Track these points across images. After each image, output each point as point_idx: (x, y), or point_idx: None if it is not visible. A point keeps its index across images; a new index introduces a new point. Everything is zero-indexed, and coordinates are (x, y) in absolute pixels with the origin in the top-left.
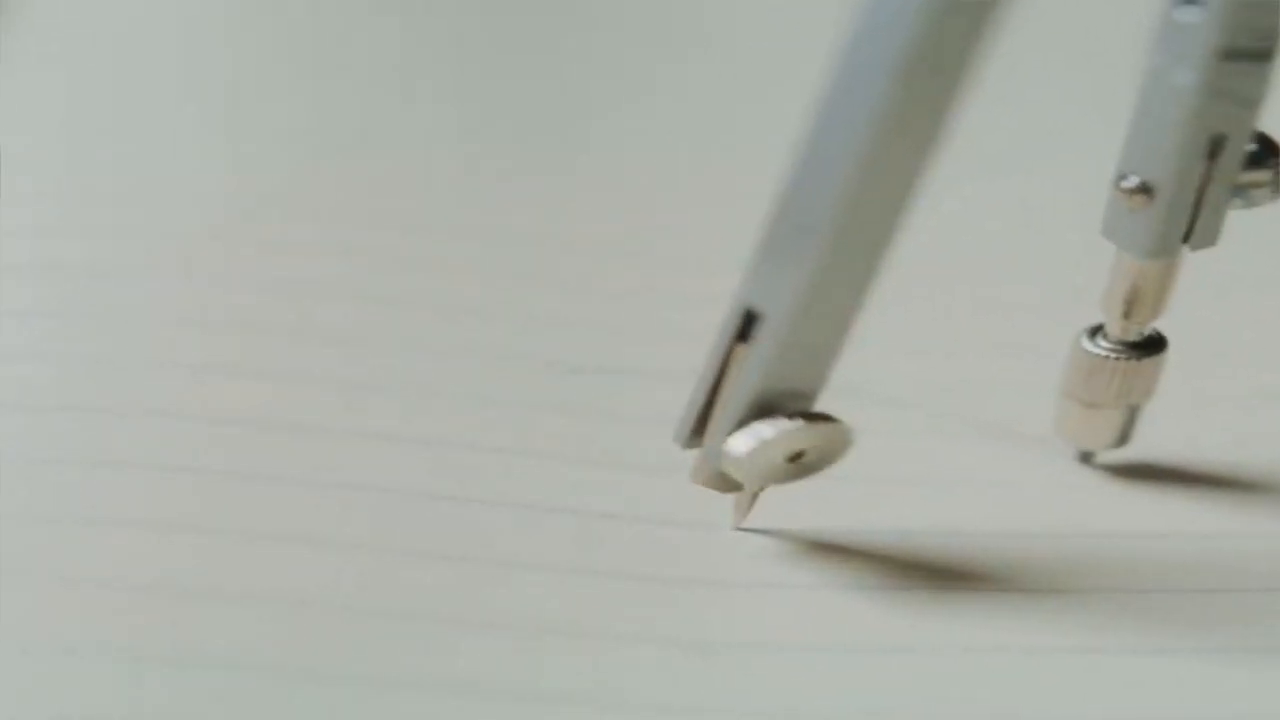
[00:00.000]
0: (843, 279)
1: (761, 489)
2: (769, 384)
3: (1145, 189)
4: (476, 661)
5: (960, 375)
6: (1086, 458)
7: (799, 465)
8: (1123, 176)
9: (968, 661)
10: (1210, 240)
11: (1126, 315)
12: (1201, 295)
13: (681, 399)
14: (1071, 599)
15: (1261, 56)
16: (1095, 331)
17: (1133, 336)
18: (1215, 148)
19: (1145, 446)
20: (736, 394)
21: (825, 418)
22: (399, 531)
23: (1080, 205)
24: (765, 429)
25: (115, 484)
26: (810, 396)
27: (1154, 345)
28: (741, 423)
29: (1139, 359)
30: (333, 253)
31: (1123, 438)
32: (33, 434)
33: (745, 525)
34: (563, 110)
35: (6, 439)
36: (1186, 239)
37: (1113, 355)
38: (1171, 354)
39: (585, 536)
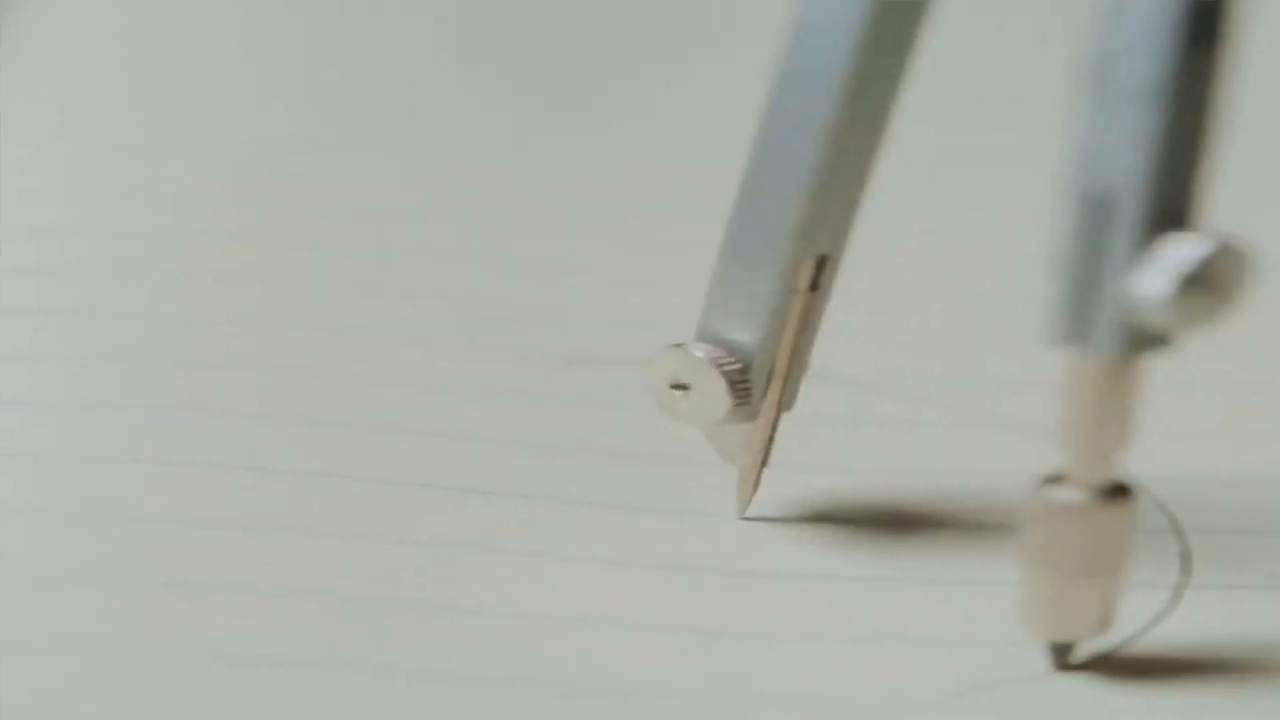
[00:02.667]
0: (759, 210)
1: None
2: (710, 317)
3: (1055, 251)
4: (482, 651)
5: (967, 368)
6: (1061, 656)
7: (682, 401)
8: None
9: (971, 652)
10: (1109, 345)
11: (1061, 437)
12: None
13: None
14: None
15: (1138, 88)
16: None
17: (1090, 475)
18: (1100, 210)
19: None
20: None
21: (720, 366)
22: (403, 523)
23: None
24: (677, 346)
25: (116, 482)
26: (747, 350)
27: (1118, 493)
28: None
29: (1103, 508)
30: (333, 248)
31: (1103, 620)
32: (33, 432)
33: (750, 515)
34: (564, 101)
35: (7, 437)
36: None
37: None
38: None
39: (591, 526)
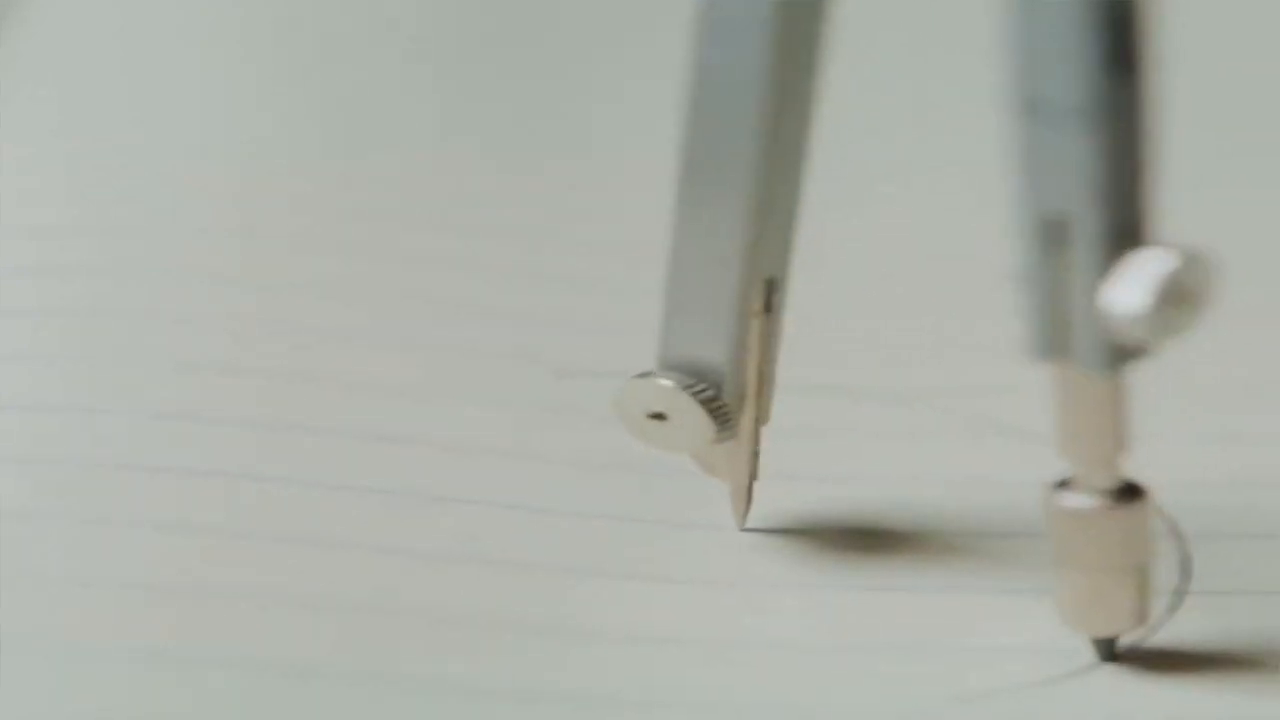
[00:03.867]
0: (701, 229)
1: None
2: (672, 344)
3: (1020, 273)
4: (479, 661)
5: (962, 376)
6: (1106, 650)
7: (661, 430)
8: None
9: (972, 660)
10: (1090, 361)
11: (1060, 447)
12: None
13: None
14: None
15: (1070, 112)
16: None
17: (1095, 480)
18: (1056, 232)
19: None
20: None
21: (694, 394)
22: (400, 532)
23: None
24: (645, 376)
25: (115, 485)
26: (715, 373)
27: (1127, 494)
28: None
29: (1115, 509)
30: (332, 251)
31: (1139, 614)
32: (33, 434)
33: (749, 526)
34: (565, 107)
35: (7, 438)
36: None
37: (1081, 508)
38: None
39: (586, 537)
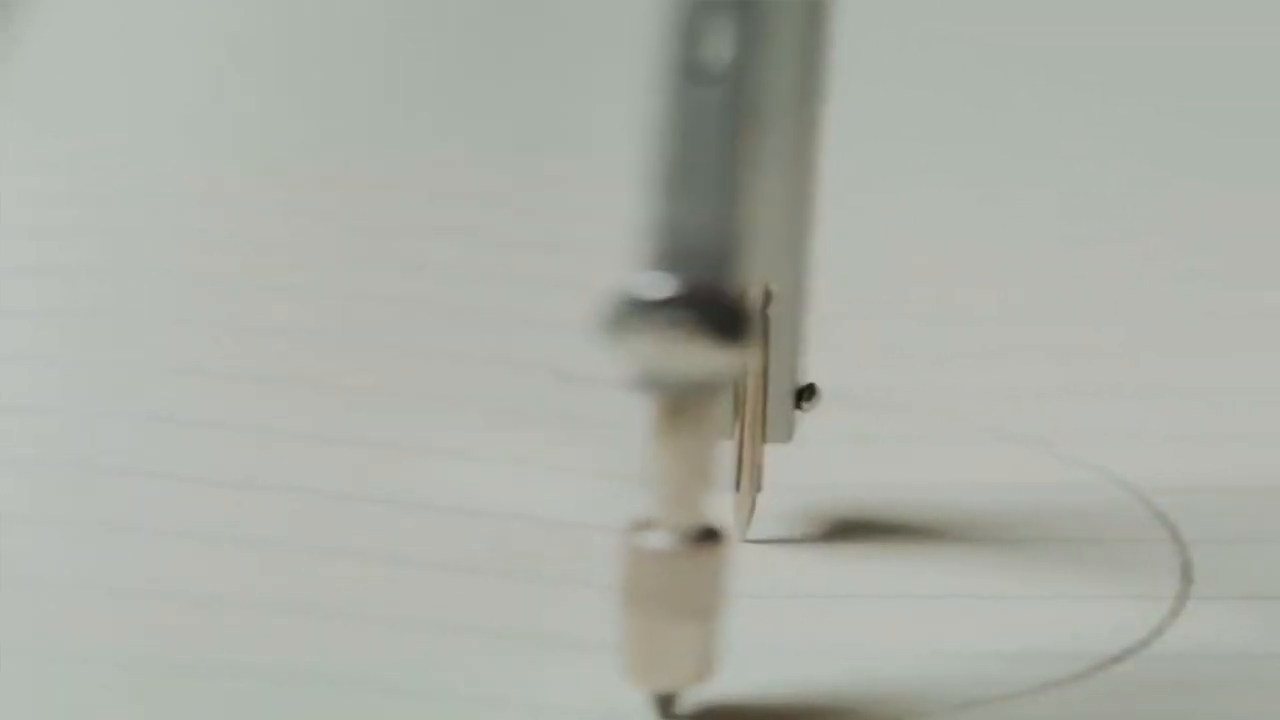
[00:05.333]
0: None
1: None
2: None
3: None
4: (482, 669)
5: (964, 380)
6: (664, 708)
7: None
8: None
9: (980, 665)
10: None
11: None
12: None
13: None
14: (1073, 603)
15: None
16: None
17: (674, 520)
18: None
19: None
20: None
21: None
22: (402, 540)
23: (1064, 209)
24: None
25: (114, 488)
26: None
27: (704, 538)
28: None
29: (689, 552)
30: (333, 254)
31: (701, 669)
32: (32, 435)
33: (751, 537)
34: (562, 107)
35: (6, 440)
36: None
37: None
38: None
39: (587, 546)
